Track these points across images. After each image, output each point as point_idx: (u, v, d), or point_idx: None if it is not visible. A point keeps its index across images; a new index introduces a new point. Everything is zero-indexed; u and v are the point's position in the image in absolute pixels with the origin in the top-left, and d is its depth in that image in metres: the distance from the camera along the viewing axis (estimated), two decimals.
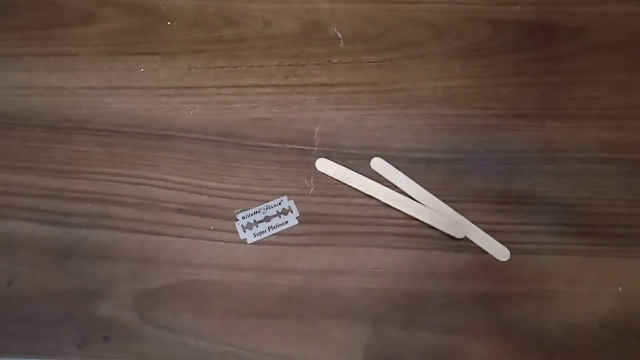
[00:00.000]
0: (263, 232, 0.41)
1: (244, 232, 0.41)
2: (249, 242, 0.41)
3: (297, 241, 0.41)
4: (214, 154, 0.43)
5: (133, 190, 0.42)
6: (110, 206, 0.42)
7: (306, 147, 0.43)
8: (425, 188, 0.42)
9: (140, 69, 0.46)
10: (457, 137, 0.44)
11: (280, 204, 0.41)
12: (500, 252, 0.40)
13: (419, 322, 0.39)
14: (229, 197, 0.42)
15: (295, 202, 0.42)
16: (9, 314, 0.40)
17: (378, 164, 0.43)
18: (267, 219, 0.41)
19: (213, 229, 0.41)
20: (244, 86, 0.45)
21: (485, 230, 0.41)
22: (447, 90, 0.45)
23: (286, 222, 0.41)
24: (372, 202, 0.42)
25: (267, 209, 0.41)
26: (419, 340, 0.38)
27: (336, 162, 0.43)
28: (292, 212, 0.41)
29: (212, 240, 0.41)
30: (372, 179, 0.42)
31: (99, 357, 0.37)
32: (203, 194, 0.42)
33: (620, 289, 0.40)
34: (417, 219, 0.41)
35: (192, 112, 0.45)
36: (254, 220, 0.41)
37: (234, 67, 0.46)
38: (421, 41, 0.47)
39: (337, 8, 0.48)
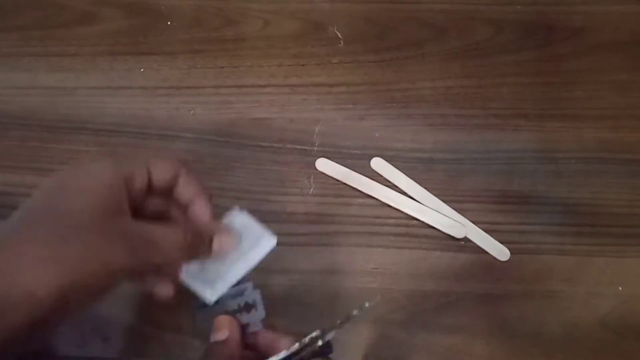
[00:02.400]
0: None
1: None
2: None
3: (297, 241, 0.41)
4: (214, 154, 0.43)
5: None
6: None
7: (306, 147, 0.43)
8: (425, 188, 0.42)
9: (140, 69, 0.46)
10: (457, 137, 0.43)
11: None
12: (500, 252, 0.40)
13: (419, 322, 0.39)
14: (229, 197, 0.42)
15: (295, 202, 0.42)
16: None
17: (378, 164, 0.43)
18: None
19: None
20: (244, 86, 0.45)
21: (485, 230, 0.41)
22: (447, 90, 0.45)
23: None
24: (372, 202, 0.42)
25: None
26: (419, 340, 0.38)
27: (336, 162, 0.43)
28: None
29: None
30: (372, 179, 0.42)
31: (99, 357, 0.37)
32: None
33: (620, 288, 0.39)
34: (417, 219, 0.41)
35: (192, 112, 0.44)
36: None
37: (234, 67, 0.46)
38: (421, 41, 0.47)
39: (337, 8, 0.48)
